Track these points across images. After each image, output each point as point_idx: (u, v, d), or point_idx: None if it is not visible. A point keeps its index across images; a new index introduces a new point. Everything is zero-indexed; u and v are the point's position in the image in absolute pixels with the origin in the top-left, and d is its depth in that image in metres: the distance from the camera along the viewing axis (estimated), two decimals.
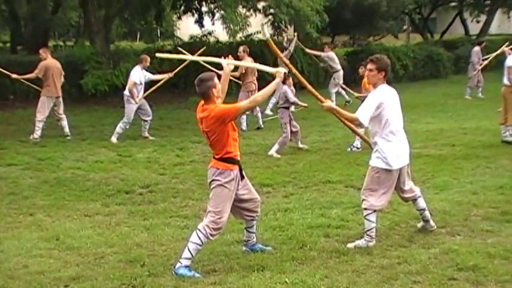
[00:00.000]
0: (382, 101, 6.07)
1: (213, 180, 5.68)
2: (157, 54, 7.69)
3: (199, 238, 5.59)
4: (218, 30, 21.08)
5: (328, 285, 5.23)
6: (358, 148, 11.12)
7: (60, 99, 13.02)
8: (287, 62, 6.97)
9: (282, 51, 13.86)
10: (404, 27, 34.98)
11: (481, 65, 18.32)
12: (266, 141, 12.19)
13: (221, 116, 5.54)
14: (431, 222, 6.61)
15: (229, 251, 6.13)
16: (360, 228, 6.79)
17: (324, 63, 18.08)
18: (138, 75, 12.53)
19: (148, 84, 13.07)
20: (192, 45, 20.15)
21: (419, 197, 6.53)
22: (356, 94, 11.95)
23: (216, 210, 5.62)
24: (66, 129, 13.00)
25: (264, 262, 5.77)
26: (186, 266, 5.55)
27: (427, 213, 6.58)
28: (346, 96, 17.06)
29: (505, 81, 11.38)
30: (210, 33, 21.16)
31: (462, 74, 20.21)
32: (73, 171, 10.02)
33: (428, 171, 9.41)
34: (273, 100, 15.78)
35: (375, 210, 6.18)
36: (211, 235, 5.61)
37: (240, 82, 13.87)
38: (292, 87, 11.87)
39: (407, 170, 6.38)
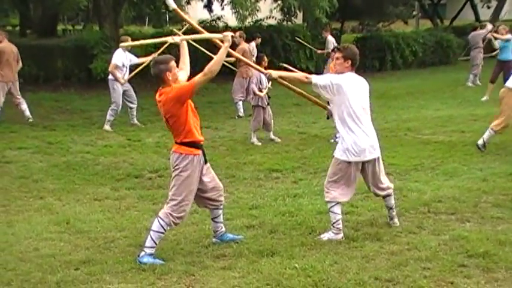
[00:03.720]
0: (341, 83, 5.89)
1: (175, 166, 5.54)
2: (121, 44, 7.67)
3: (162, 226, 5.51)
4: (227, 15, 20.97)
5: (337, 271, 5.23)
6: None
7: (17, 84, 12.76)
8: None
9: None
10: (414, 12, 34.71)
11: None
12: (275, 126, 12.16)
13: (178, 96, 5.40)
14: (396, 220, 6.40)
15: None
16: (369, 214, 6.81)
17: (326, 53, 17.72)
18: (121, 57, 12.17)
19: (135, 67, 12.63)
20: None
21: (391, 194, 6.35)
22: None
23: (179, 198, 5.50)
24: (27, 113, 12.79)
25: (273, 247, 5.78)
26: (150, 254, 5.50)
27: (393, 212, 6.40)
28: None
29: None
30: (219, 18, 21.07)
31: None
32: (82, 155, 10.05)
33: (437, 158, 9.39)
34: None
35: (338, 202, 6.07)
36: (174, 223, 5.54)
37: (235, 69, 13.73)
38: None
39: (377, 165, 6.19)
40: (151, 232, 5.57)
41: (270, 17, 21.33)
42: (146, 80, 14.84)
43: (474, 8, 32.24)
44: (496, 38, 16.13)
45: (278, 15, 21.35)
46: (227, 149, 10.55)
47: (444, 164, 9.04)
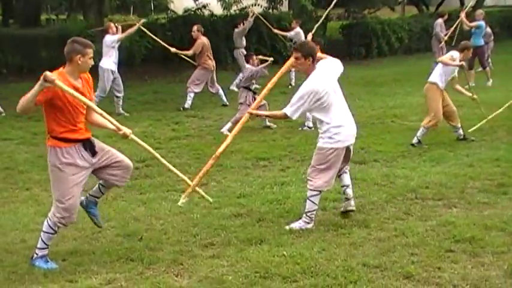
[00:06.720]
0: (316, 90, 5.77)
1: (49, 162, 5.21)
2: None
3: (50, 227, 5.21)
4: (213, 3, 20.87)
5: (326, 258, 5.24)
6: (309, 128, 10.87)
7: None
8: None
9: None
10: None
11: (445, 35, 17.97)
12: None
13: None
14: (352, 202, 6.33)
15: (227, 225, 6.14)
16: (356, 201, 6.79)
17: (293, 42, 17.63)
18: (114, 37, 12.40)
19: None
20: (186, 19, 20.03)
21: (345, 172, 6.31)
22: None
23: (56, 196, 5.19)
24: None
25: (261, 235, 5.78)
26: (43, 257, 5.24)
27: (349, 190, 6.32)
28: None
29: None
30: (204, 7, 20.95)
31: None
32: None
33: (424, 144, 9.42)
34: (240, 76, 15.75)
35: (320, 192, 6.04)
36: (60, 223, 5.20)
37: (194, 62, 13.56)
38: (256, 67, 10.96)
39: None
40: (41, 233, 5.28)
41: (255, 5, 21.24)
42: (132, 69, 14.78)
43: None
44: (468, 26, 16.12)
45: (264, 2, 21.27)
46: (214, 138, 10.51)
47: (431, 151, 9.09)
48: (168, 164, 5.60)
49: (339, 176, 6.30)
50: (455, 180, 7.50)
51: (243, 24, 16.31)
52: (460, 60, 9.36)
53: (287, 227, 6.03)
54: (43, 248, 5.29)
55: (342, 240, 5.69)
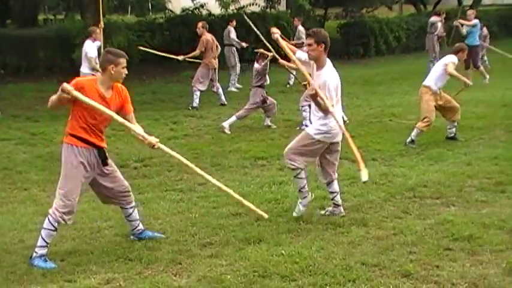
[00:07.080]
0: (338, 84, 6.05)
1: (64, 158, 5.37)
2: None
3: (51, 223, 5.26)
4: (210, 3, 20.87)
5: (324, 257, 5.25)
6: (307, 126, 10.78)
7: None
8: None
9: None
10: None
11: (439, 38, 17.95)
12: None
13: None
14: (342, 208, 6.37)
15: (226, 224, 6.14)
16: (355, 200, 6.84)
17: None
18: (93, 48, 12.10)
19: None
20: (184, 18, 20.03)
21: (335, 179, 6.37)
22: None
23: (62, 192, 5.28)
24: None
25: (260, 235, 5.78)
26: (42, 256, 5.24)
27: (339, 197, 6.39)
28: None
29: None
30: (202, 6, 20.96)
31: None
32: None
33: (422, 143, 9.44)
34: (233, 77, 15.78)
35: (302, 169, 6.21)
36: (62, 219, 5.26)
37: (200, 61, 13.57)
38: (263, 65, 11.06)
39: (340, 147, 6.30)
40: (42, 230, 5.32)
41: (253, 4, 21.25)
42: (130, 69, 14.76)
43: None
44: (462, 25, 16.13)
45: (261, 1, 21.28)
46: (212, 137, 10.52)
47: (429, 149, 9.10)
48: (204, 174, 5.89)
49: (328, 183, 6.39)
50: (454, 178, 7.50)
51: (238, 37, 16.41)
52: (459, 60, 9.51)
53: (294, 214, 6.23)
54: (42, 246, 5.30)
55: (341, 239, 5.69)
